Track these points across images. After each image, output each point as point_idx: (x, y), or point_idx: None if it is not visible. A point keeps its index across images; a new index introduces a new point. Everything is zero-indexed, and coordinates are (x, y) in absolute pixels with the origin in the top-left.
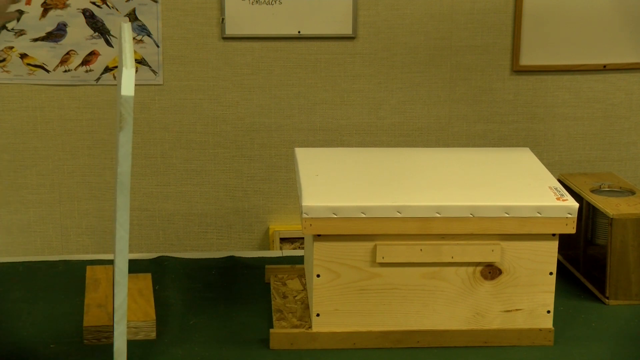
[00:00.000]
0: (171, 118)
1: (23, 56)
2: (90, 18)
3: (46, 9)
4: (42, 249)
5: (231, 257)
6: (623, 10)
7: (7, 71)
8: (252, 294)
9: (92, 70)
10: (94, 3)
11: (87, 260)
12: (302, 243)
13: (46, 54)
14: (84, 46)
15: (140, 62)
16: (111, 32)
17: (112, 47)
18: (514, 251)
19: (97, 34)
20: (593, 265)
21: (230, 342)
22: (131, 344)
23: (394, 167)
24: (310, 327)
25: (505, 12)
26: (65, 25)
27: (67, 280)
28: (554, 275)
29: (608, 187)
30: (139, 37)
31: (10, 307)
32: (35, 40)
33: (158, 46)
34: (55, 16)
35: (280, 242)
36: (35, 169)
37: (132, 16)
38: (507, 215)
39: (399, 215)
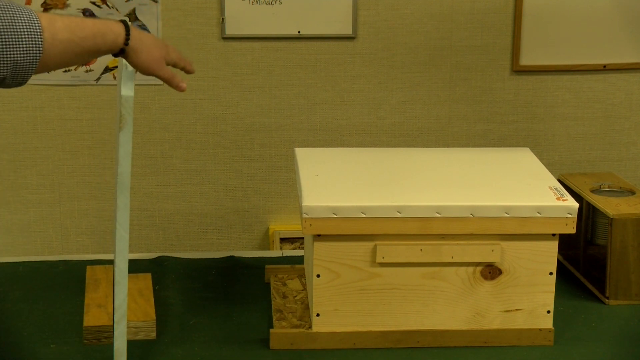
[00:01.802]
0: (171, 118)
1: None
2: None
3: (46, 8)
4: (42, 249)
5: (231, 257)
6: (623, 10)
7: None
8: (252, 294)
9: (92, 70)
10: (94, 3)
11: (87, 260)
12: (302, 243)
13: None
14: None
15: None
16: None
17: None
18: (514, 251)
19: None
20: (593, 265)
21: (230, 342)
22: (131, 344)
23: (394, 167)
24: (310, 327)
25: (505, 12)
26: None
27: (67, 280)
28: (554, 275)
29: (608, 187)
30: None
31: (10, 307)
32: None
33: None
34: None
35: (280, 242)
36: (35, 169)
37: (132, 16)
38: (507, 215)
39: (399, 215)
